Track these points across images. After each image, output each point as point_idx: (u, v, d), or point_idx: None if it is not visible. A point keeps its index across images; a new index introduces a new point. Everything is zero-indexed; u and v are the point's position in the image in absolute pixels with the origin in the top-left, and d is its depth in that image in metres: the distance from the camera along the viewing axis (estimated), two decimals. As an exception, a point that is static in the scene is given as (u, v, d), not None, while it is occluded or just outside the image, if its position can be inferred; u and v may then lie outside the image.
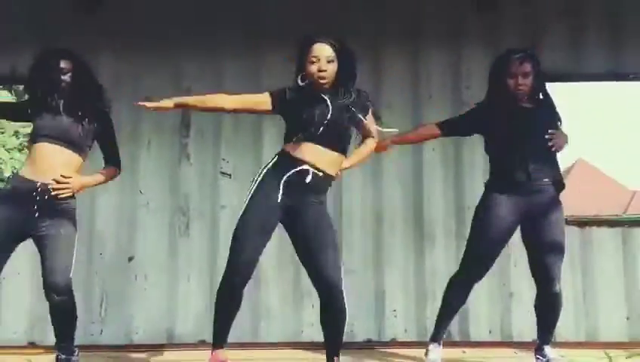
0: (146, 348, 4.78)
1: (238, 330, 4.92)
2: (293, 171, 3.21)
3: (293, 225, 3.30)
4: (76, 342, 4.44)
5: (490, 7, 5.24)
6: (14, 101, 3.73)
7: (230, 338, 4.98)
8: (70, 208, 3.59)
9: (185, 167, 5.26)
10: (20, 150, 20.32)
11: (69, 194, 3.50)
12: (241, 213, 3.34)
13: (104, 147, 3.79)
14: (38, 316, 4.94)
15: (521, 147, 3.67)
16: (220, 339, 3.55)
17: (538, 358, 3.80)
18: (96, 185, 3.82)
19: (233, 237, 3.33)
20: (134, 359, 4.45)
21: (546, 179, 3.70)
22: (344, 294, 3.23)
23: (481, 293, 4.97)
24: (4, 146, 19.89)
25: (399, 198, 5.21)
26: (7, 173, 20.16)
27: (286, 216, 3.28)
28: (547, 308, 3.74)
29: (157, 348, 4.81)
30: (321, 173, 3.23)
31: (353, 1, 5.28)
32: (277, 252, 5.10)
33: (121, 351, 4.66)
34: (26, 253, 5.00)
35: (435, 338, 3.96)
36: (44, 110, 3.54)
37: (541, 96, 3.80)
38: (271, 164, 3.35)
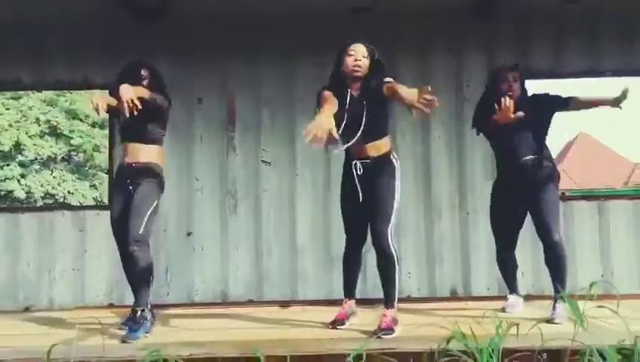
0: (205, 306, 5.21)
1: (278, 289, 5.47)
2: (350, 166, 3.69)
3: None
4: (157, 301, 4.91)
5: (486, 18, 5.55)
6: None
7: (273, 297, 5.51)
8: (149, 174, 3.93)
9: (232, 157, 5.67)
10: (41, 136, 20.47)
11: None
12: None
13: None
14: (116, 282, 5.45)
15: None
16: (348, 293, 3.91)
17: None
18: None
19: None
20: (195, 314, 4.80)
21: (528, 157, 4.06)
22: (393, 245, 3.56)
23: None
24: (26, 133, 20.16)
25: (411, 177, 5.55)
26: (31, 157, 20.30)
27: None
28: (551, 257, 4.01)
29: (213, 305, 5.24)
30: (369, 160, 3.62)
31: (368, 17, 5.57)
32: (310, 225, 5.59)
33: (185, 308, 5.09)
34: (103, 228, 5.56)
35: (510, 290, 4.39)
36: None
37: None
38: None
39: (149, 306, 3.87)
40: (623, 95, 3.81)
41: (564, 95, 4.09)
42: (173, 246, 5.58)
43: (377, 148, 3.66)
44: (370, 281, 5.02)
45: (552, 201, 4.03)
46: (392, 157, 3.71)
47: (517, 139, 4.05)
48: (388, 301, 3.60)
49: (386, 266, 3.58)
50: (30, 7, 5.40)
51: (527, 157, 4.04)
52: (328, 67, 5.42)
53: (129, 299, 5.42)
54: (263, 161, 5.65)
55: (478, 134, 4.36)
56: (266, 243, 5.60)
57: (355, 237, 3.83)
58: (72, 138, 21.60)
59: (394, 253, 3.56)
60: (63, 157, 21.92)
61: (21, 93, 19.61)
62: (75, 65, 5.79)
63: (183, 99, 5.48)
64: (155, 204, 3.91)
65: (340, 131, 3.43)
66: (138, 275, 3.84)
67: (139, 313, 3.79)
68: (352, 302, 3.93)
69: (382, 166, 3.65)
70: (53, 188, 21.03)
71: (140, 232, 3.78)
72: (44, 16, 5.55)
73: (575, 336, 2.71)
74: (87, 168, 22.38)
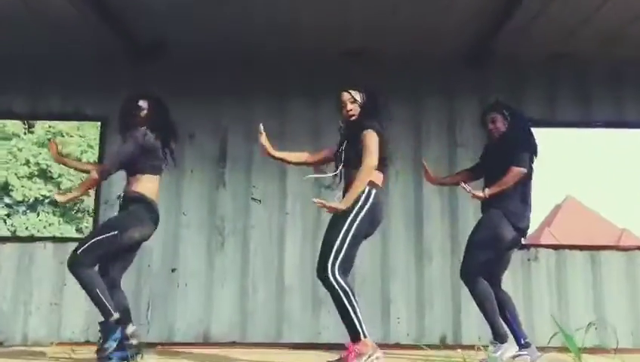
0: (185, 346, 5.01)
1: (263, 330, 5.28)
2: None
3: None
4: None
5: (479, 65, 5.60)
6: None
7: (257, 338, 5.31)
8: (127, 204, 3.81)
9: (221, 192, 5.56)
10: (29, 178, 20.32)
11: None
12: None
13: None
14: (94, 318, 5.19)
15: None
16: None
17: None
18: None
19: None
20: (175, 353, 4.59)
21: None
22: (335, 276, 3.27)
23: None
24: (16, 174, 20.00)
25: (402, 220, 5.47)
26: (18, 199, 20.06)
27: None
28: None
29: (194, 345, 5.05)
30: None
31: (360, 60, 5.61)
32: (299, 265, 5.43)
33: (165, 348, 4.88)
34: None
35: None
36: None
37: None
38: None
39: (113, 316, 3.61)
40: None
41: (517, 158, 3.89)
42: (156, 282, 5.40)
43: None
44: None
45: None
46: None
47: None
48: (349, 332, 3.28)
49: (334, 301, 3.31)
50: (30, 39, 5.42)
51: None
52: (318, 106, 5.53)
53: (107, 335, 5.29)
54: (253, 198, 5.56)
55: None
56: (252, 282, 5.43)
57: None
58: (61, 181, 21.43)
59: (337, 285, 3.26)
60: (51, 201, 21.71)
61: (11, 134, 19.52)
62: (67, 97, 5.77)
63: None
64: (113, 233, 3.68)
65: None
66: (87, 293, 3.67)
67: (100, 326, 3.62)
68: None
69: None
70: (38, 231, 20.70)
71: (78, 252, 3.62)
72: (42, 48, 5.56)
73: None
74: (74, 211, 22.12)
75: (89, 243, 3.66)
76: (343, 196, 3.43)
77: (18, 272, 5.40)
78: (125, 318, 3.76)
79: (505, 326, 3.94)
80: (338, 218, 3.38)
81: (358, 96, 3.64)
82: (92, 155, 20.45)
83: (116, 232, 3.69)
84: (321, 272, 3.32)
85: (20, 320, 5.30)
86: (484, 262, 3.89)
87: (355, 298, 3.26)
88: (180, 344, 5.15)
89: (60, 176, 21.15)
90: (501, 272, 4.09)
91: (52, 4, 4.84)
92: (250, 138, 5.52)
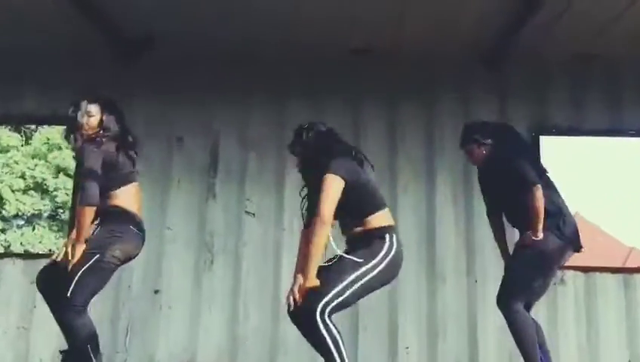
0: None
1: (255, 358, 4.77)
2: None
3: None
4: None
5: (497, 65, 5.20)
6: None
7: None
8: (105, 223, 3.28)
9: (211, 205, 5.10)
10: (25, 191, 20.05)
11: None
12: None
13: None
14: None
15: None
16: None
17: None
18: None
19: None
20: None
21: None
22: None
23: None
24: (10, 187, 19.72)
25: (413, 238, 4.99)
26: (12, 213, 19.73)
27: None
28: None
29: None
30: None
31: (368, 59, 5.25)
32: (296, 287, 4.90)
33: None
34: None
35: None
36: None
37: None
38: None
39: None
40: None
41: (530, 178, 3.56)
42: (136, 304, 4.89)
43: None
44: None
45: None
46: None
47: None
48: None
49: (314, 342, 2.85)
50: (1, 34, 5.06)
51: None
52: (322, 110, 5.07)
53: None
54: (246, 211, 5.08)
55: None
56: (244, 305, 4.92)
57: None
58: (57, 195, 21.19)
59: (322, 328, 2.75)
60: (49, 215, 21.49)
61: (8, 146, 19.24)
62: (43, 98, 5.32)
63: (162, 137, 5.04)
64: (95, 258, 3.14)
65: None
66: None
67: None
68: None
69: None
70: (32, 246, 20.42)
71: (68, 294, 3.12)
72: (16, 45, 5.14)
73: None
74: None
75: (75, 279, 3.10)
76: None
77: (-17, 292, 4.90)
78: (94, 346, 3.24)
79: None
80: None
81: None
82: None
83: (97, 255, 3.15)
84: (307, 308, 2.79)
85: (-18, 345, 4.79)
86: (528, 285, 3.51)
87: (342, 346, 2.72)
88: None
89: (55, 189, 20.89)
90: (538, 296, 3.64)
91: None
92: (246, 144, 5.20)
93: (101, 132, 3.31)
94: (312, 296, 2.78)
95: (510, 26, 4.73)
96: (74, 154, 3.41)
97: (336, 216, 2.91)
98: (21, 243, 20.02)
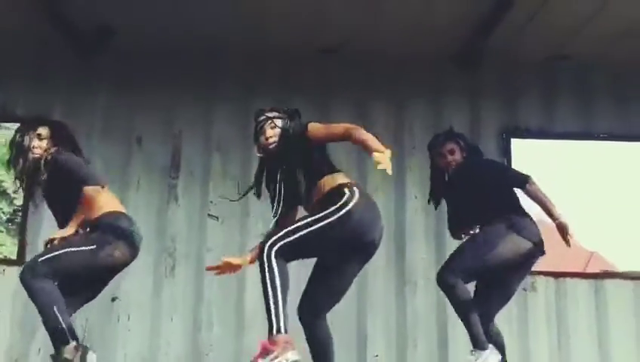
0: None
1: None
2: None
3: None
4: None
5: (468, 66, 5.18)
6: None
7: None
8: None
9: (173, 208, 4.96)
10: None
11: None
12: None
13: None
14: (18, 354, 4.66)
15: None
16: None
17: None
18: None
19: None
20: None
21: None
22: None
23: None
24: None
25: (382, 243, 4.89)
26: None
27: None
28: None
29: None
30: None
31: (336, 61, 5.22)
32: (259, 301, 4.65)
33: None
34: (9, 288, 4.68)
35: None
36: None
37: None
38: None
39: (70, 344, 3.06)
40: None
41: (520, 176, 3.64)
42: (92, 314, 4.56)
43: None
44: None
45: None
46: None
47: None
48: None
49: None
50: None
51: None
52: (291, 106, 4.98)
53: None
54: (209, 215, 4.95)
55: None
56: (207, 314, 4.79)
57: None
58: (15, 198, 20.66)
59: (264, 259, 2.79)
60: (7, 218, 20.94)
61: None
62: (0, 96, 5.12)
63: (120, 137, 4.88)
64: (91, 248, 3.15)
65: None
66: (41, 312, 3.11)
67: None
68: None
69: None
70: (-9, 250, 19.84)
71: (38, 260, 3.11)
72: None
73: None
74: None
75: (56, 252, 3.11)
76: None
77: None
78: (61, 310, 3.12)
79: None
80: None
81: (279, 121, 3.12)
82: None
83: (94, 246, 3.15)
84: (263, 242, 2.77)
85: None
86: (465, 262, 3.50)
87: (282, 287, 2.73)
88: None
89: (15, 192, 20.41)
90: (471, 279, 3.60)
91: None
92: (210, 144, 5.06)
93: (55, 149, 3.29)
94: (266, 237, 2.80)
95: (482, 28, 4.73)
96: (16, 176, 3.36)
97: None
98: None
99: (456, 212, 3.84)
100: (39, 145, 3.30)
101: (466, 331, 3.53)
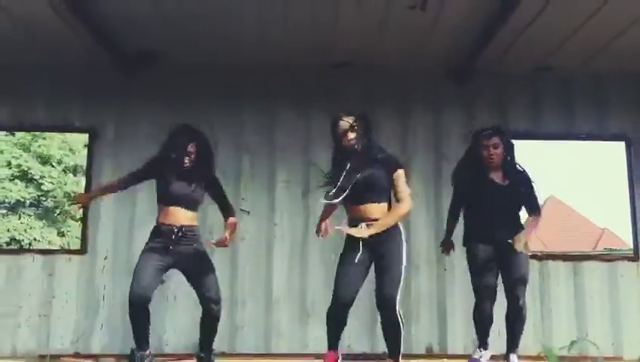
0: (175, 357, 5.08)
1: (252, 342, 5.37)
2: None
3: None
4: (115, 352, 5.10)
5: (464, 79, 5.73)
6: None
7: (247, 349, 5.40)
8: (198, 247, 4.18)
9: (210, 204, 5.56)
10: (10, 180, 20.18)
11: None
12: None
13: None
14: (83, 329, 5.37)
15: (490, 219, 4.20)
16: (331, 345, 3.79)
17: None
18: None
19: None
20: None
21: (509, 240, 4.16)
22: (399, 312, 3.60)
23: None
24: None
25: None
26: None
27: None
28: (515, 317, 4.23)
29: (184, 357, 5.09)
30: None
31: (347, 72, 5.76)
32: (286, 278, 5.53)
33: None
34: (73, 273, 5.43)
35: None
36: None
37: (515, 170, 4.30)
38: None
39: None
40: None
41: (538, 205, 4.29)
42: None
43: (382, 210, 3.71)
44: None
45: (521, 271, 4.19)
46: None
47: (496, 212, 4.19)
48: (392, 354, 3.66)
49: (392, 330, 3.62)
50: (15, 49, 5.43)
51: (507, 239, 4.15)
52: (308, 116, 5.61)
53: (95, 347, 5.33)
54: (241, 209, 5.58)
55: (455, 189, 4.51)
56: (241, 295, 5.50)
57: (345, 303, 3.73)
58: (42, 183, 21.28)
59: (400, 318, 3.58)
60: (31, 203, 21.54)
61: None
62: (54, 108, 5.80)
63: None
64: None
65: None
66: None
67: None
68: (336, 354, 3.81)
69: (390, 229, 3.67)
70: (19, 233, 20.55)
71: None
72: (28, 59, 5.58)
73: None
74: (56, 214, 21.96)
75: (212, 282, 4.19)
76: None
77: (7, 284, 5.43)
78: None
79: None
80: (392, 247, 3.62)
81: (355, 123, 3.73)
82: (73, 159, 20.34)
83: None
84: (391, 307, 3.55)
85: (9, 333, 5.34)
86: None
87: None
88: (170, 355, 5.21)
89: (41, 177, 21.01)
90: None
91: (37, 15, 4.82)
92: (240, 149, 5.71)
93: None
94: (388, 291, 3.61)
95: (476, 45, 5.21)
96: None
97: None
98: (7, 230, 20.09)
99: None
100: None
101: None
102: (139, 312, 3.93)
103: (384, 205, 3.70)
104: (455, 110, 5.76)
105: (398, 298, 3.58)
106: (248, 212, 5.63)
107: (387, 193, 3.73)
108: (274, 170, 5.71)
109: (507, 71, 5.75)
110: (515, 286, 4.16)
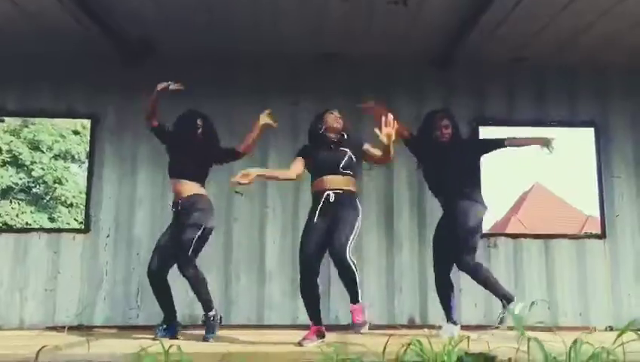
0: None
1: (247, 315, 5.69)
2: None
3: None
4: (118, 323, 5.39)
5: (444, 68, 6.06)
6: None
7: (240, 321, 5.71)
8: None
9: (206, 186, 5.84)
10: (1, 166, 20.32)
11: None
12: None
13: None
14: (87, 303, 5.69)
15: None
16: (312, 319, 4.26)
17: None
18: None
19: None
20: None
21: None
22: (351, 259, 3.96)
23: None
24: None
25: (375, 211, 5.96)
26: None
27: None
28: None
29: (182, 328, 5.32)
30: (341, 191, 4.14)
31: (335, 64, 6.07)
32: (277, 255, 5.86)
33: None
34: (78, 251, 5.72)
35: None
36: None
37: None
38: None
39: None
40: (550, 142, 4.46)
41: (497, 139, 4.70)
42: (145, 270, 5.66)
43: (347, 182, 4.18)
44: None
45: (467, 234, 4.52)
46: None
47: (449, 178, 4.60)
48: (353, 298, 4.02)
49: (347, 275, 3.97)
50: (21, 38, 5.67)
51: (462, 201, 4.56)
52: (299, 104, 5.90)
53: (98, 319, 5.65)
54: (236, 191, 5.89)
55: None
56: (235, 270, 5.85)
57: (312, 271, 4.15)
58: (33, 169, 21.37)
59: (352, 264, 3.95)
60: (22, 189, 21.61)
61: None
62: (59, 95, 6.07)
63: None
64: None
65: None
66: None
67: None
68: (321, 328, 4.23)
69: (349, 197, 4.16)
70: (11, 218, 20.65)
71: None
72: (34, 48, 5.81)
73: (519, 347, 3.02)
74: (46, 200, 22.08)
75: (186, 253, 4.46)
76: None
77: (14, 261, 5.74)
78: None
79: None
80: (347, 210, 4.09)
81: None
82: (63, 145, 20.44)
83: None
84: (343, 255, 3.94)
85: (16, 306, 5.66)
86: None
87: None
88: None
89: (32, 163, 21.08)
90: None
91: (43, 5, 5.08)
92: (233, 135, 5.79)
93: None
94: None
95: (456, 36, 5.52)
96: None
97: None
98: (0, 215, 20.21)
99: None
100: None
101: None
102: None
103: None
104: (435, 98, 6.04)
105: (349, 247, 3.95)
106: (242, 194, 5.95)
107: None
108: (266, 154, 6.00)
109: (484, 61, 6.06)
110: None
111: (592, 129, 6.27)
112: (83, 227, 5.99)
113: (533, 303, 3.27)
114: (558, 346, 2.83)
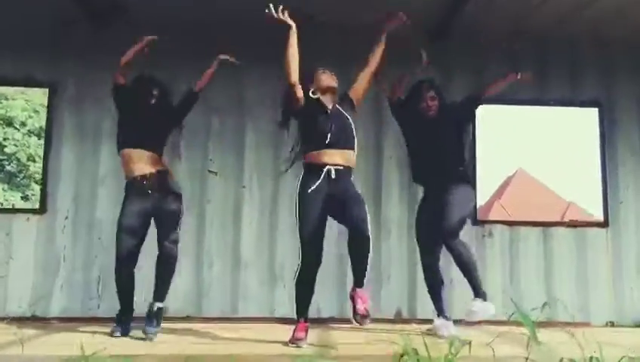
0: (138, 320, 4.88)
1: (220, 306, 5.22)
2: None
3: None
4: (76, 315, 4.92)
5: (442, 40, 5.59)
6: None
7: (213, 313, 5.25)
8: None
9: (177, 165, 5.35)
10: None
11: None
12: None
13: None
14: (40, 293, 5.15)
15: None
16: (302, 314, 3.75)
17: None
18: None
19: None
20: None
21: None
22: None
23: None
24: None
25: (363, 196, 5.42)
26: None
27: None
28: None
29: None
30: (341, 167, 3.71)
31: (326, 31, 5.55)
32: (255, 241, 5.37)
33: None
34: (32, 234, 5.17)
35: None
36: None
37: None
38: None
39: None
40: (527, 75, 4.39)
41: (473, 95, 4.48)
42: (108, 256, 5.07)
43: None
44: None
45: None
46: None
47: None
48: (359, 280, 3.65)
49: (364, 248, 3.59)
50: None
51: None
52: (278, 77, 5.37)
53: (54, 310, 5.12)
54: (209, 170, 5.42)
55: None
56: (208, 256, 5.34)
57: (315, 259, 3.70)
58: (5, 146, 20.69)
59: (370, 238, 3.59)
60: (-8, 169, 20.92)
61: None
62: (20, 61, 5.49)
63: None
64: None
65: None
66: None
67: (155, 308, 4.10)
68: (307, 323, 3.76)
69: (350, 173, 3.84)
70: (-18, 196, 19.96)
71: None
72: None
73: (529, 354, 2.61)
74: (19, 178, 21.41)
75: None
76: None
77: (-39, 244, 5.16)
78: None
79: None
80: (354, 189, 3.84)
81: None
82: (37, 121, 19.72)
83: None
84: (364, 226, 3.66)
85: (-38, 294, 5.09)
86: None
87: None
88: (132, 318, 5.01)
89: (4, 139, 20.43)
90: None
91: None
92: (209, 108, 5.42)
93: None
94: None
95: (453, 7, 5.13)
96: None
97: None
98: (-30, 194, 19.55)
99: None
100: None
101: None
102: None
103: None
104: (431, 73, 5.50)
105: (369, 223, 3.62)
106: (216, 173, 5.43)
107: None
108: (243, 130, 5.50)
109: (482, 35, 5.57)
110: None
111: (597, 109, 5.82)
112: (39, 207, 5.38)
113: (545, 304, 2.80)
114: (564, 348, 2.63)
